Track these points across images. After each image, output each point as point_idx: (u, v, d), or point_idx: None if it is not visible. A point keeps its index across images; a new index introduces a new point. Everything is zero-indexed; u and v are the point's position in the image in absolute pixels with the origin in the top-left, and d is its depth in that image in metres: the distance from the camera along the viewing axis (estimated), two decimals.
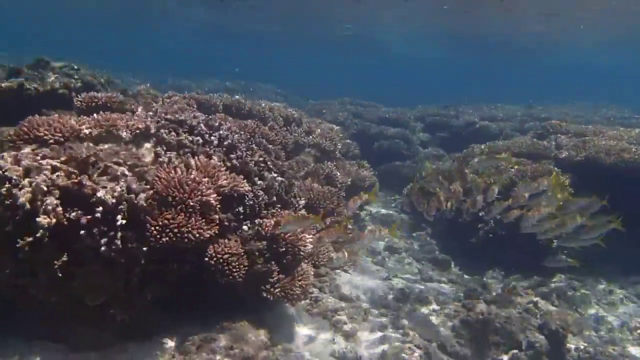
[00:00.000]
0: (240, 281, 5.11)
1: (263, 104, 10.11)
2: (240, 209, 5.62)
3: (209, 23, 41.90)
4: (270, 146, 6.88)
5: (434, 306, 7.09)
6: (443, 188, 6.59)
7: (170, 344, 4.72)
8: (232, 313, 5.31)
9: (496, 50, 42.75)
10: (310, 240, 5.94)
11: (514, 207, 6.07)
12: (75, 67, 8.52)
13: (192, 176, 4.97)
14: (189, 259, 4.94)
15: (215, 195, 5.10)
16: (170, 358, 4.56)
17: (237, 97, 9.89)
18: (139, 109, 6.05)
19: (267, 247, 5.58)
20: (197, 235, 4.76)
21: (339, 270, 7.52)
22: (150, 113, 5.95)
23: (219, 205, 5.12)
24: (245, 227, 5.67)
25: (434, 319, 6.49)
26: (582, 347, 6.20)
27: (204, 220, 4.92)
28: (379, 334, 6.17)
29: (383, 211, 12.32)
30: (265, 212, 5.98)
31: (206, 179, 5.08)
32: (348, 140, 11.85)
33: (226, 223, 5.35)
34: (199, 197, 4.90)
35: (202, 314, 5.18)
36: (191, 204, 4.81)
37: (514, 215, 5.99)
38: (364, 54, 58.35)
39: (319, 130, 10.11)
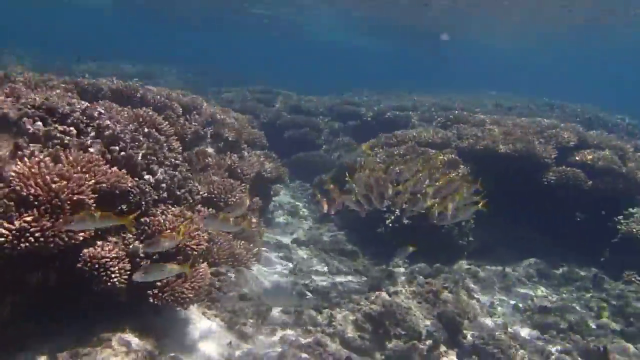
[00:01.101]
0: (123, 287, 4.68)
1: (161, 91, 9.48)
2: (124, 207, 5.17)
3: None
4: (162, 137, 6.39)
5: (338, 300, 7.06)
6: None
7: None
8: (115, 322, 4.86)
9: (415, 37, 43.94)
10: (205, 238, 5.62)
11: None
12: None
13: (60, 172, 4.43)
14: (59, 265, 4.42)
15: (91, 192, 4.60)
16: None
17: (130, 82, 9.18)
18: None
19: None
20: (67, 239, 4.26)
21: (241, 268, 7.25)
22: (11, 99, 5.25)
23: (94, 204, 4.63)
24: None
25: (338, 314, 6.44)
26: (476, 333, 6.47)
27: None
28: (280, 333, 6.01)
29: (292, 202, 12.20)
30: (153, 209, 5.56)
31: (78, 175, 4.56)
32: (255, 130, 11.51)
33: None
34: (69, 195, 4.38)
35: (80, 325, 4.68)
36: (58, 203, 4.29)
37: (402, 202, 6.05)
38: (282, 39, 57.83)
39: (223, 119, 9.69)
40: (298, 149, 15.51)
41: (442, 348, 6.22)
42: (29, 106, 5.16)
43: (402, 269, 9.15)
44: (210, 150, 8.77)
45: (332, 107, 19.19)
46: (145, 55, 31.34)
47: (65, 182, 4.38)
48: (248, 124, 10.96)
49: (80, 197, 4.46)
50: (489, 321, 7.29)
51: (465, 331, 6.53)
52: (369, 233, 9.86)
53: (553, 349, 6.38)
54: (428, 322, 6.25)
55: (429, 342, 6.12)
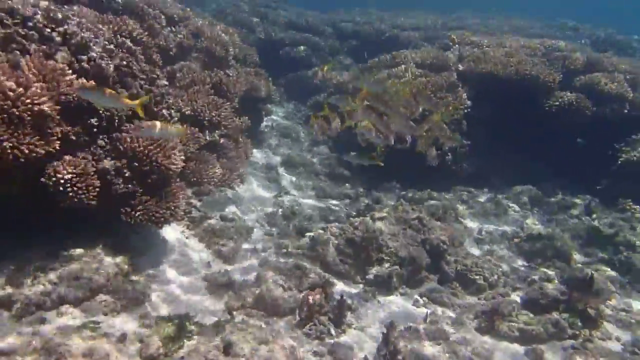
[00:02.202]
0: (93, 204, 4.57)
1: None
2: (94, 120, 4.92)
3: None
4: (138, 48, 6.01)
5: (323, 224, 7.02)
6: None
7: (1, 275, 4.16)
8: (89, 239, 4.80)
9: None
10: (182, 157, 5.44)
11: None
12: None
13: (19, 80, 4.15)
14: (20, 178, 4.28)
15: (53, 103, 4.35)
16: (1, 289, 4.03)
17: None
18: None
19: (127, 166, 5.02)
20: (27, 152, 4.08)
21: (224, 188, 7.16)
22: None
23: (58, 116, 4.40)
24: (101, 142, 5.03)
25: (320, 238, 6.41)
26: (460, 259, 6.47)
27: (37, 134, 4.22)
28: (260, 255, 6.00)
29: (285, 123, 11.91)
30: (126, 125, 5.32)
31: (39, 84, 4.28)
32: (245, 46, 10.97)
33: (73, 137, 4.66)
34: (28, 105, 4.14)
35: (51, 242, 4.61)
36: (16, 113, 4.05)
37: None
38: None
39: (210, 32, 9.16)
40: (294, 68, 14.95)
41: (424, 274, 6.24)
42: None
43: (391, 195, 9.09)
44: (194, 65, 8.37)
45: (333, 25, 18.30)
46: None
47: (22, 90, 4.11)
48: (239, 39, 10.42)
49: (41, 107, 4.21)
50: (475, 249, 7.30)
51: (449, 257, 6.53)
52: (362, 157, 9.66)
53: (536, 277, 6.41)
54: (411, 249, 6.23)
55: (410, 267, 6.13)
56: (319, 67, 13.83)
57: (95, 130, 4.93)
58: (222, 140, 7.55)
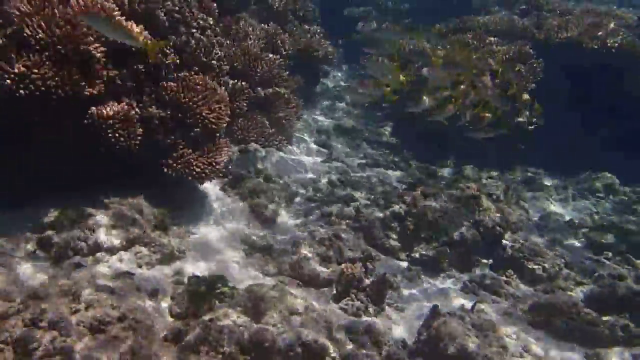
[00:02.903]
0: (135, 152, 4.49)
1: None
2: (141, 67, 4.80)
3: None
4: None
5: (369, 195, 6.73)
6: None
7: (43, 217, 4.18)
8: (131, 188, 4.76)
9: None
10: (227, 112, 5.27)
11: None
12: None
13: (67, 16, 4.05)
14: (70, 126, 4.24)
15: (99, 45, 4.24)
16: (41, 231, 4.05)
17: None
18: None
19: (171, 116, 4.91)
20: (71, 92, 4.00)
21: (271, 148, 6.98)
22: None
23: (104, 59, 4.29)
24: (147, 90, 4.93)
25: (367, 209, 6.15)
26: (518, 246, 6.03)
27: (83, 75, 4.14)
28: (300, 221, 5.82)
29: (343, 86, 11.51)
30: (173, 75, 5.18)
31: (86, 22, 4.16)
32: (307, 1, 10.56)
33: (118, 82, 4.57)
34: (75, 43, 4.04)
35: (95, 187, 4.59)
36: (62, 51, 3.97)
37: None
38: None
39: None
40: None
41: (475, 257, 5.87)
42: None
43: (448, 169, 8.64)
44: (252, 19, 8.11)
45: None
46: None
47: (70, 29, 4.01)
48: None
49: (87, 48, 4.12)
50: (535, 236, 6.80)
51: (505, 242, 6.11)
52: (419, 127, 9.18)
53: (605, 273, 5.84)
54: (464, 229, 5.85)
55: (460, 249, 5.77)
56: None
57: (141, 77, 4.83)
58: (272, 99, 7.33)
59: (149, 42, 4.15)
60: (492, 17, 9.84)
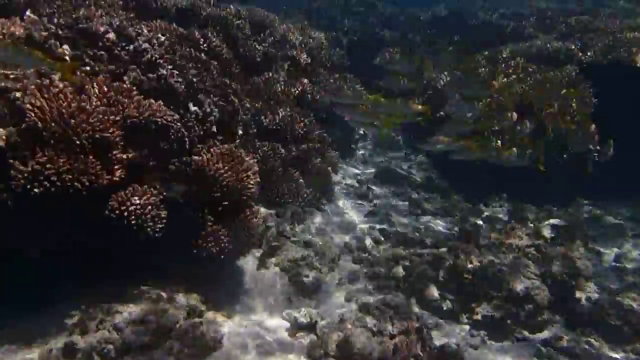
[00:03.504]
0: (158, 237, 4.25)
1: (228, 9, 8.73)
2: (163, 144, 4.63)
3: None
4: (214, 62, 5.70)
5: (420, 249, 6.22)
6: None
7: (68, 319, 3.95)
8: (157, 273, 4.51)
9: None
10: (257, 180, 4.99)
11: None
12: None
13: (82, 105, 3.93)
14: (87, 212, 4.06)
15: (117, 128, 4.10)
16: (67, 336, 3.81)
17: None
18: (28, 11, 4.85)
19: (197, 192, 4.67)
20: (88, 183, 3.83)
21: (309, 208, 6.65)
22: (45, 17, 4.79)
23: (122, 142, 4.13)
24: (171, 167, 4.74)
25: (417, 268, 5.65)
26: (594, 297, 5.34)
27: (100, 162, 3.97)
28: (347, 289, 5.39)
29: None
30: (200, 146, 5.00)
31: (103, 108, 4.04)
32: (337, 50, 10.45)
33: (139, 164, 4.40)
34: (90, 132, 3.90)
35: (118, 276, 4.37)
36: (77, 142, 3.82)
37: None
38: None
39: (295, 38, 8.77)
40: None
41: (546, 315, 5.21)
42: (60, 26, 4.68)
43: (502, 209, 8.03)
44: (279, 75, 7.99)
45: (434, 21, 17.21)
46: None
47: (85, 117, 3.88)
48: (326, 44, 9.92)
49: (104, 134, 3.96)
50: (612, 283, 6.05)
51: (579, 294, 5.43)
52: (466, 167, 8.66)
53: None
54: (529, 282, 5.23)
55: (528, 307, 5.14)
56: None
57: (165, 154, 4.66)
58: (306, 155, 7.06)
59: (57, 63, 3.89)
60: (531, 41, 9.33)
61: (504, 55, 8.89)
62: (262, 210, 6.18)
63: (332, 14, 16.40)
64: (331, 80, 9.01)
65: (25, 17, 4.65)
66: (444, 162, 9.26)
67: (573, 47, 8.62)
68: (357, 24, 15.87)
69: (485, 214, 7.62)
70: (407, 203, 7.90)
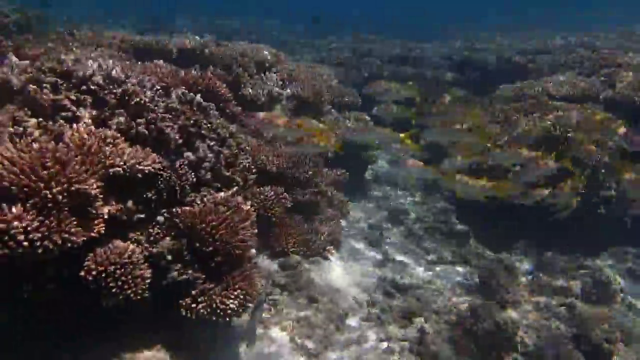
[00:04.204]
0: (141, 299, 3.84)
1: (234, 47, 8.57)
2: (150, 194, 4.28)
3: None
4: (210, 104, 5.38)
5: (435, 304, 5.72)
6: None
7: None
8: (141, 338, 4.09)
9: None
10: (254, 231, 4.59)
11: None
12: None
13: (57, 155, 3.61)
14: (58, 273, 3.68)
15: (97, 179, 3.75)
16: None
17: (201, 39, 8.38)
18: (10, 55, 4.62)
19: (187, 247, 4.29)
20: (61, 242, 3.46)
21: (315, 257, 6.22)
22: (27, 61, 4.55)
23: (101, 195, 3.78)
24: (160, 219, 4.38)
25: (429, 326, 5.14)
26: None
27: (77, 218, 3.62)
28: (354, 348, 4.89)
29: (393, 170, 10.78)
30: (193, 195, 4.64)
31: (80, 158, 3.71)
32: (347, 88, 10.17)
33: (124, 217, 4.03)
34: (65, 184, 3.56)
35: (97, 342, 3.96)
36: (49, 196, 3.48)
37: None
38: None
39: (304, 76, 8.52)
40: None
41: None
42: (42, 69, 4.43)
43: (526, 258, 7.49)
44: (283, 114, 7.69)
45: (448, 55, 17.06)
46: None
47: (59, 168, 3.55)
48: (336, 81, 9.68)
49: (81, 186, 3.62)
50: None
51: None
52: (485, 210, 8.17)
53: None
54: (560, 349, 4.67)
55: None
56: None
57: (152, 205, 4.31)
58: (312, 200, 6.67)
59: None
60: (553, 79, 8.93)
61: (525, 92, 8.51)
62: (263, 262, 5.78)
63: (343, 55, 16.37)
64: (341, 119, 8.71)
65: (6, 61, 4.44)
66: (462, 203, 8.81)
67: (598, 84, 8.21)
68: (373, 65, 15.72)
69: (508, 263, 7.07)
70: (421, 249, 7.41)
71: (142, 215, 4.19)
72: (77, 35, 7.36)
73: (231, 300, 4.30)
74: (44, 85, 4.25)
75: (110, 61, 4.95)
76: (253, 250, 4.86)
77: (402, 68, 14.92)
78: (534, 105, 7.42)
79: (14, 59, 4.50)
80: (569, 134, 6.43)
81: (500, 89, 9.73)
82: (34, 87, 4.16)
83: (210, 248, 4.31)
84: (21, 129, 3.81)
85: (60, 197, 3.53)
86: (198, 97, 5.22)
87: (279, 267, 5.84)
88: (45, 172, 3.51)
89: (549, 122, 6.92)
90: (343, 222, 7.32)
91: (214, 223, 4.33)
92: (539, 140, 6.75)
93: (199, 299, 4.18)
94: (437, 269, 6.94)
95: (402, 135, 5.19)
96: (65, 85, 4.38)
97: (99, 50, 5.93)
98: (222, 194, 4.73)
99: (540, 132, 6.66)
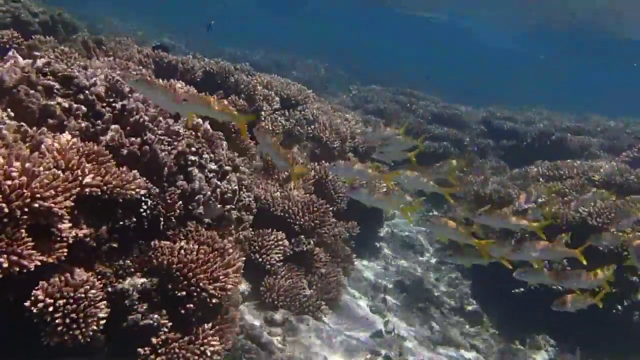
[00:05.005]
0: (91, 341, 3.38)
1: (260, 78, 8.35)
2: (129, 222, 3.89)
3: None
4: (218, 132, 5.06)
5: None
6: None
7: None
8: None
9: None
10: (236, 280, 4.13)
11: None
12: None
13: (27, 167, 3.26)
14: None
15: (65, 198, 3.38)
16: None
17: (227, 63, 8.20)
18: (12, 51, 4.38)
19: (157, 287, 3.85)
20: (7, 264, 3.06)
21: (307, 317, 5.67)
22: (27, 60, 4.30)
23: (68, 216, 3.40)
24: (135, 251, 3.97)
25: None
26: None
27: (35, 239, 3.23)
28: None
29: (411, 230, 10.25)
30: (177, 229, 4.24)
31: (52, 172, 3.36)
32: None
33: (92, 244, 3.64)
34: (28, 199, 3.19)
35: None
36: (5, 210, 3.11)
37: None
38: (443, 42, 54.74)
39: (326, 119, 8.20)
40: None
41: None
42: (43, 71, 4.17)
43: (545, 352, 6.78)
44: (301, 156, 7.35)
45: (485, 121, 16.68)
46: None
47: (25, 180, 3.19)
48: (359, 126, 9.34)
49: (44, 203, 3.24)
50: None
51: None
52: (505, 287, 7.52)
53: None
54: None
55: None
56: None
57: (129, 234, 3.91)
58: (315, 252, 6.20)
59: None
60: (595, 161, 8.41)
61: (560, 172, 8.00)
62: (248, 314, 5.28)
63: (375, 101, 16.22)
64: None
65: (5, 57, 4.20)
66: (478, 276, 8.18)
67: None
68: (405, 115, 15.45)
69: (522, 356, 6.40)
70: (427, 319, 6.80)
71: (115, 245, 3.80)
72: (104, 41, 7.26)
73: (195, 357, 3.81)
74: (37, 87, 3.99)
75: (118, 73, 4.70)
76: (235, 299, 4.41)
77: (437, 127, 14.55)
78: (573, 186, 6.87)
79: (17, 56, 4.26)
80: None
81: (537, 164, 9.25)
82: (25, 88, 3.90)
83: (184, 292, 3.87)
84: None
85: (19, 212, 3.16)
86: (206, 124, 4.91)
87: (263, 321, 5.33)
88: (8, 182, 3.16)
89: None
90: (344, 279, 6.78)
91: (192, 264, 3.90)
92: None
93: (159, 350, 3.71)
94: (443, 349, 6.29)
95: (402, 206, 5.42)
96: (62, 91, 4.11)
97: (116, 61, 5.71)
98: (209, 232, 4.31)
99: None
